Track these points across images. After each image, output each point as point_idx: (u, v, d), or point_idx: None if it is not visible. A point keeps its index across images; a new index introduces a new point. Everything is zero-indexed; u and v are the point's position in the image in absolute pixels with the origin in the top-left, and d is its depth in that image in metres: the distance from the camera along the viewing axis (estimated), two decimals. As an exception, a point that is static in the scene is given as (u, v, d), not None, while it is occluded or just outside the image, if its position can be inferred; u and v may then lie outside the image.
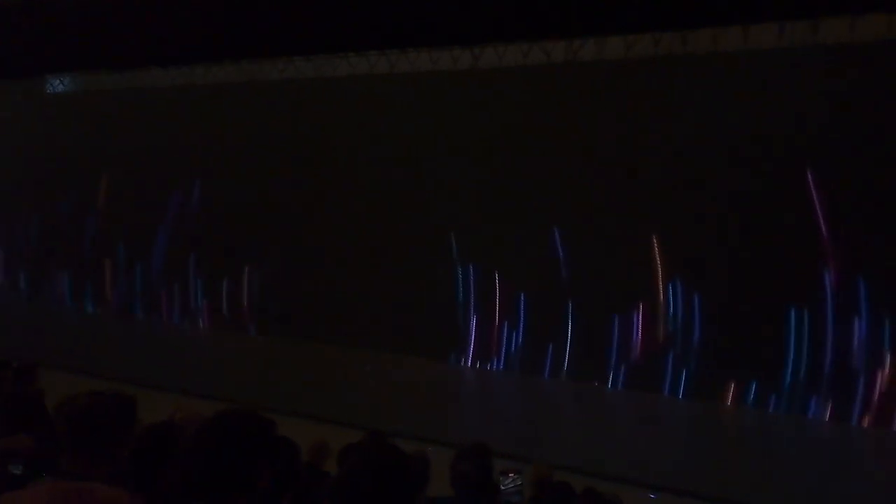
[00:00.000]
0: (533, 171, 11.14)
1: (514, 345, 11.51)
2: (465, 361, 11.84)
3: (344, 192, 12.71)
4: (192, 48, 8.86)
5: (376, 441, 2.68)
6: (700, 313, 10.16)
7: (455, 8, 8.01)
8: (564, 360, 11.04)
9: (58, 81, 15.69)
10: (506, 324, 11.53)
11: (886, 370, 9.07)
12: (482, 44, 10.70)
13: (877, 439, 9.10)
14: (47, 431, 3.19)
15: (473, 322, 11.81)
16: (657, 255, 10.37)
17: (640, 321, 10.49)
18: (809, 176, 9.36)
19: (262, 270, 13.64)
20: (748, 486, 7.36)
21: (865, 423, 9.16)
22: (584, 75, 10.72)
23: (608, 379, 10.70)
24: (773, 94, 9.60)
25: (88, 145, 15.19)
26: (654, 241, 10.35)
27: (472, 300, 11.81)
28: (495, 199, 11.48)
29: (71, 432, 2.38)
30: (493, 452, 3.76)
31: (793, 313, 9.49)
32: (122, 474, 2.50)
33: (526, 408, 10.35)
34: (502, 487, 3.36)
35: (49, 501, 2.20)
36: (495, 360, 11.67)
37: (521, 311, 11.39)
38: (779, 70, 9.56)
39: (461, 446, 3.76)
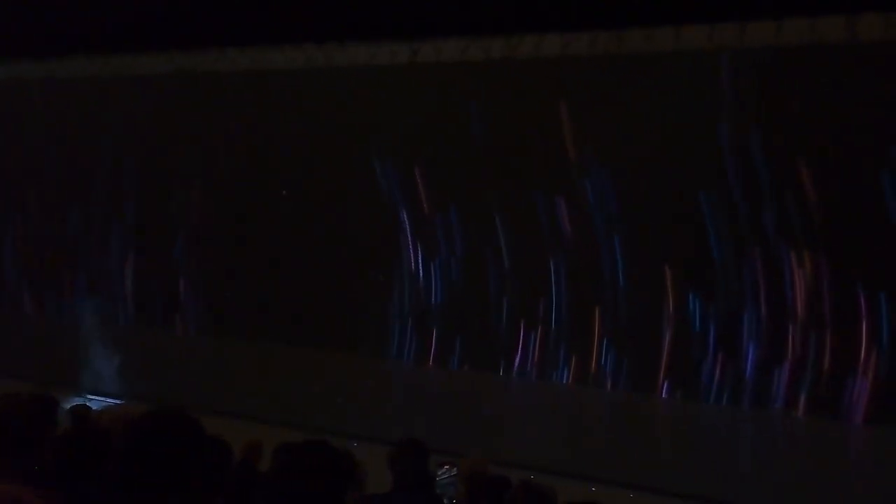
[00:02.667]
0: (474, 164, 11.19)
1: (456, 343, 11.57)
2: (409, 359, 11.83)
3: (286, 187, 12.52)
4: (117, 38, 8.60)
5: (308, 440, 2.65)
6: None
7: (394, 2, 7.99)
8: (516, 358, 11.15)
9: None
10: (454, 322, 11.57)
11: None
12: (421, 39, 10.69)
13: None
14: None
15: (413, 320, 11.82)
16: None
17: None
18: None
19: (201, 267, 13.35)
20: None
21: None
22: (522, 72, 10.80)
23: (554, 374, 10.84)
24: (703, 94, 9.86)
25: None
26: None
27: (423, 297, 11.80)
28: (440, 191, 11.50)
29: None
30: (428, 447, 3.75)
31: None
32: (43, 475, 2.42)
33: (471, 406, 10.39)
34: (437, 479, 3.37)
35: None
36: (441, 358, 11.69)
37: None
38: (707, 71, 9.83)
39: (396, 442, 3.74)
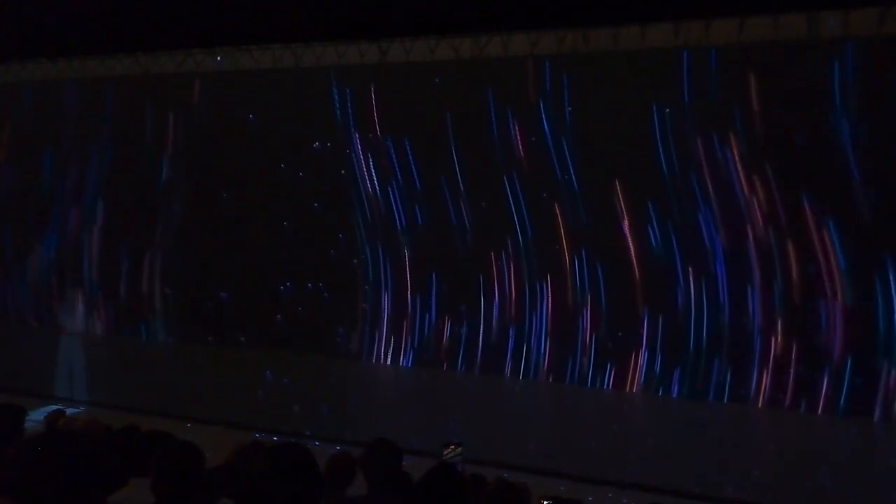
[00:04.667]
0: (443, 162, 11.20)
1: (418, 341, 11.57)
2: (380, 359, 11.80)
3: (246, 188, 12.41)
4: (82, 39, 8.48)
5: (280, 442, 2.64)
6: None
7: (363, 2, 7.97)
8: (478, 353, 11.16)
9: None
10: (416, 319, 11.57)
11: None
12: (390, 37, 10.68)
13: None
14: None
15: (385, 318, 11.80)
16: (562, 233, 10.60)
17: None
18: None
19: (163, 270, 13.19)
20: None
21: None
22: (491, 71, 10.82)
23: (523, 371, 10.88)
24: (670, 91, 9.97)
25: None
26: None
27: (381, 299, 11.79)
28: (404, 191, 11.51)
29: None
30: (400, 447, 3.75)
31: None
32: (10, 483, 2.38)
33: (441, 403, 10.38)
34: (443, 457, 3.47)
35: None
36: (404, 355, 11.68)
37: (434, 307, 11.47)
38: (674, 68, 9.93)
39: (368, 444, 3.74)
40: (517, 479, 3.87)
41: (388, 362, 11.70)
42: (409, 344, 11.66)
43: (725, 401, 9.64)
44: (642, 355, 10.16)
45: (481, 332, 11.08)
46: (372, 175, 11.79)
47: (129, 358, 12.25)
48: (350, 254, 11.93)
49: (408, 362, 11.65)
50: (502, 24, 8.69)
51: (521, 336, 10.88)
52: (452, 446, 3.58)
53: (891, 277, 8.97)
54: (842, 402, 9.15)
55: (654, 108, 9.98)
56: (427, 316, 11.51)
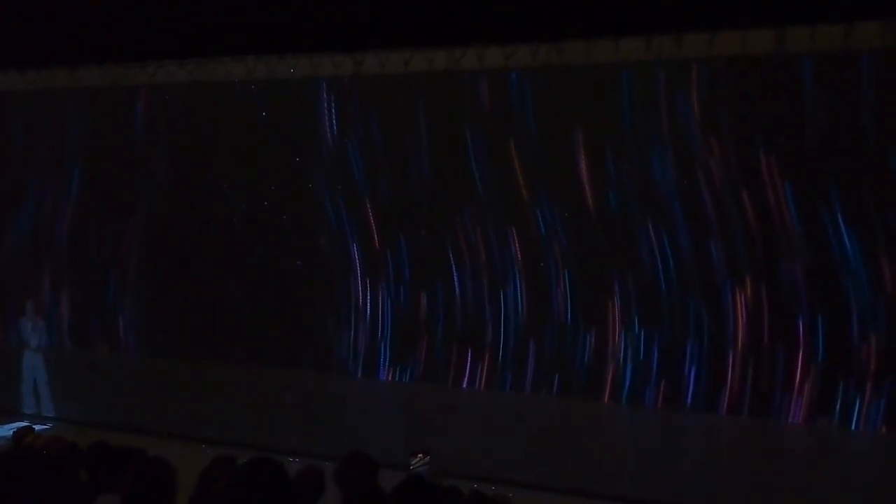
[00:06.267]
0: (419, 178, 11.21)
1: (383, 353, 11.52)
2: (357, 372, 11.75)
3: (223, 200, 12.31)
4: (51, 50, 8.37)
5: (252, 458, 2.60)
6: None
7: (336, 13, 7.95)
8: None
9: None
10: (388, 335, 11.53)
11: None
12: (364, 50, 10.65)
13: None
14: None
15: (361, 332, 11.74)
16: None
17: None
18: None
19: (137, 285, 13.02)
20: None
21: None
22: (465, 83, 10.87)
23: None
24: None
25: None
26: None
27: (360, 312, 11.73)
28: (380, 206, 11.48)
29: None
30: (375, 460, 3.71)
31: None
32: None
33: (418, 416, 10.35)
34: (411, 467, 3.42)
35: None
36: (381, 370, 11.63)
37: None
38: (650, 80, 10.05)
39: (342, 457, 3.70)
40: (494, 492, 3.85)
41: (360, 375, 11.67)
42: (384, 357, 11.61)
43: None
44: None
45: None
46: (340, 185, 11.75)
47: (98, 373, 12.06)
48: (318, 270, 11.87)
49: (383, 375, 11.60)
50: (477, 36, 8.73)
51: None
52: (420, 455, 3.52)
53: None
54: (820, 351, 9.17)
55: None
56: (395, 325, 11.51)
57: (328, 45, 9.20)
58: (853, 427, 9.04)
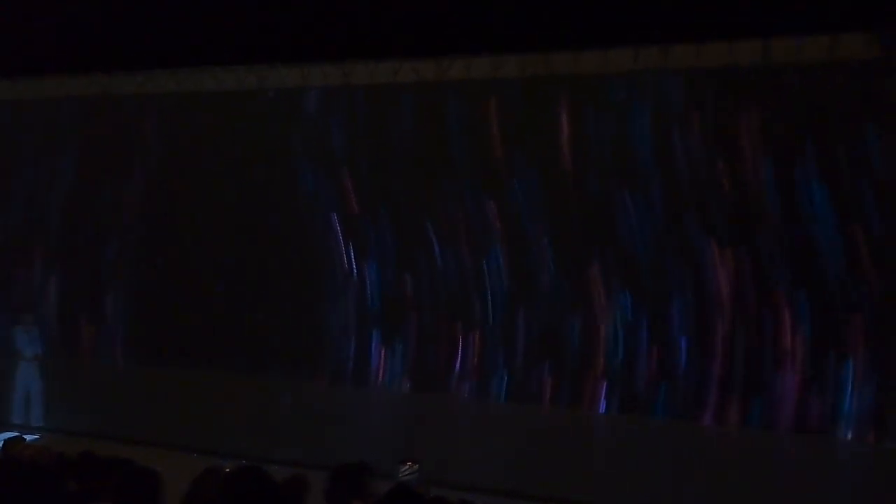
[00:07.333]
0: (408, 187, 11.24)
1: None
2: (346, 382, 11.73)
3: (215, 209, 12.30)
4: (41, 59, 8.38)
5: (241, 467, 2.61)
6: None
7: (326, 24, 7.99)
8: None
9: None
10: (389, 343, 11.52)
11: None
12: (354, 59, 10.72)
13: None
14: None
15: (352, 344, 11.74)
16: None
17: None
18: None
19: (129, 293, 12.98)
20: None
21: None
22: (454, 93, 10.93)
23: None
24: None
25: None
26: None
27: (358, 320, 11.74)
28: (373, 216, 11.51)
29: None
30: (368, 469, 3.72)
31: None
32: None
33: (409, 425, 10.35)
34: (399, 476, 3.41)
35: None
36: (376, 379, 11.61)
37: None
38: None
39: (334, 467, 3.71)
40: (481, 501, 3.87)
41: (349, 384, 11.65)
42: (369, 369, 11.61)
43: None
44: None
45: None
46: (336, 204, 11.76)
47: (88, 383, 12.00)
48: (308, 283, 11.87)
49: (375, 362, 11.59)
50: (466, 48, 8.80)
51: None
52: (409, 463, 3.53)
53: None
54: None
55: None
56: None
57: (318, 55, 9.26)
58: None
